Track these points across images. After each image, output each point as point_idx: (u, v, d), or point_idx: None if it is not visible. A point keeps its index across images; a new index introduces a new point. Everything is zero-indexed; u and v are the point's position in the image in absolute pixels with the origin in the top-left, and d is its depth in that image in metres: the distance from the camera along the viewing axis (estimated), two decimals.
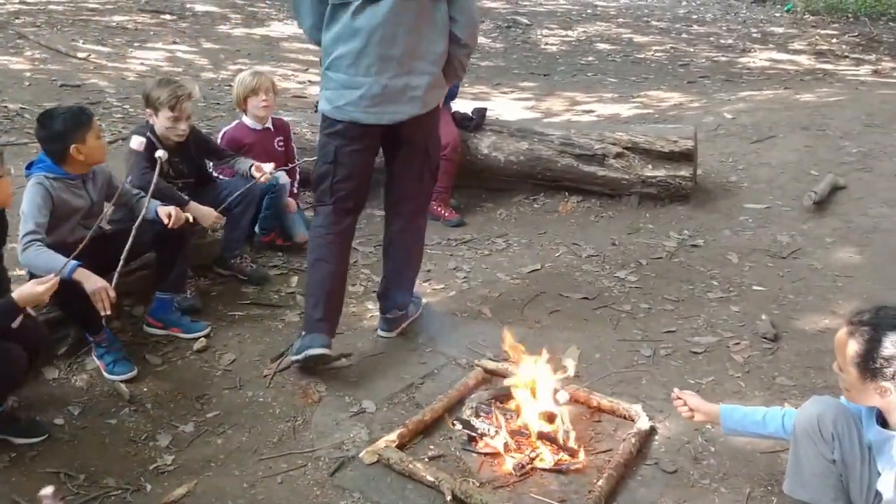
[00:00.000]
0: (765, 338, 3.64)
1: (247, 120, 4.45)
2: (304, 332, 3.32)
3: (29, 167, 3.25)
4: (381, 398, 3.19)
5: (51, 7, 10.09)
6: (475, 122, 5.21)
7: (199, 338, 3.54)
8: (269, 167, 4.03)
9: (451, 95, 5.13)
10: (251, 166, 4.07)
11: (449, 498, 2.58)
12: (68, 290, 2.91)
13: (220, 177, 4.36)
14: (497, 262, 4.51)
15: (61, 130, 3.14)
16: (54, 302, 3.00)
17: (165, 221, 3.37)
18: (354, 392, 3.23)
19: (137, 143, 3.50)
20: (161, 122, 3.77)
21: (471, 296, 4.09)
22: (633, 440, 2.89)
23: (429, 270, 4.36)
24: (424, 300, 3.98)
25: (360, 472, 2.76)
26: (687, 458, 2.89)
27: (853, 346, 2.08)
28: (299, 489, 2.70)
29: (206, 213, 3.73)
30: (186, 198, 3.73)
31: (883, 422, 2.16)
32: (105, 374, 3.25)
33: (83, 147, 3.18)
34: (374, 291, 4.09)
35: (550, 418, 2.91)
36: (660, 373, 3.43)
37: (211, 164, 4.32)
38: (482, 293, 4.12)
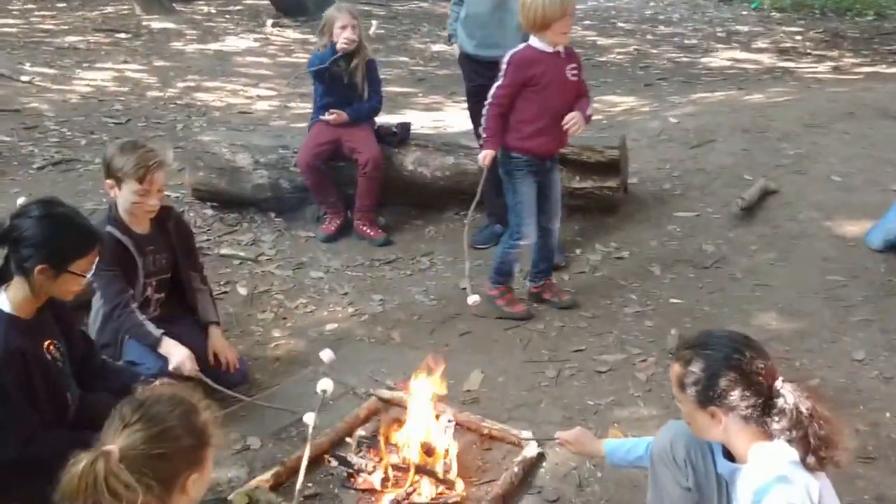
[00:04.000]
0: (671, 354, 3.58)
1: (537, 42, 3.70)
2: None
3: None
4: (269, 433, 3.12)
5: (4, 29, 10.02)
6: (399, 136, 5.14)
7: None
8: (326, 355, 3.11)
9: (374, 111, 5.06)
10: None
11: None
12: None
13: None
14: (418, 281, 4.45)
15: None
16: None
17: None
18: (242, 427, 3.16)
19: None
20: (125, 195, 3.12)
21: (383, 319, 4.03)
22: (516, 469, 2.83)
23: (345, 294, 4.30)
24: (335, 325, 3.95)
25: None
26: (571, 486, 2.84)
27: (676, 372, 2.03)
28: None
29: (179, 356, 3.09)
30: (159, 332, 3.15)
31: (731, 455, 2.10)
32: None
33: None
34: (284, 318, 4.05)
35: (430, 451, 2.85)
36: (561, 395, 3.38)
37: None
38: (396, 316, 4.06)
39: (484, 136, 3.83)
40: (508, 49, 4.20)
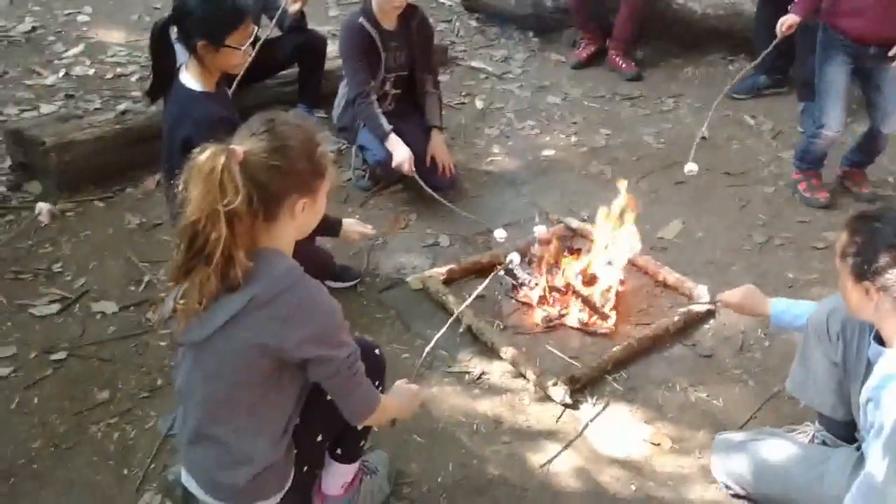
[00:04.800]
0: None
1: None
2: None
3: None
4: (458, 236, 3.31)
5: None
6: None
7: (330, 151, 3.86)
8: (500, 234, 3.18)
9: None
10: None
11: (461, 329, 2.74)
12: None
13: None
14: (654, 122, 4.28)
15: None
16: None
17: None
18: (439, 226, 3.38)
19: None
20: None
21: (602, 154, 3.97)
22: (675, 318, 2.79)
23: (574, 122, 4.26)
24: (552, 152, 3.98)
25: (404, 295, 2.99)
26: (731, 348, 2.74)
27: (842, 240, 1.84)
28: (349, 297, 2.97)
29: (401, 155, 3.32)
30: (389, 128, 3.38)
31: (881, 340, 1.90)
32: None
33: None
34: (507, 137, 4.14)
35: (591, 280, 2.88)
36: (760, 261, 3.18)
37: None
38: (616, 154, 3.97)
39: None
40: None
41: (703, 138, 3.96)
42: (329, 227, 2.83)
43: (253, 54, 2.63)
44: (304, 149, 1.70)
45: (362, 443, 2.04)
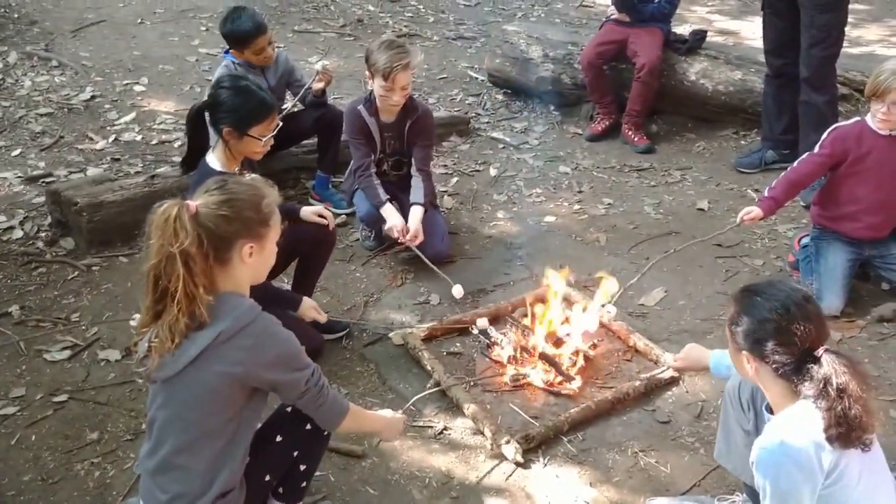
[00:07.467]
0: (884, 320, 3.20)
1: (870, 119, 3.26)
2: None
3: (226, 52, 4.02)
4: (449, 295, 3.49)
5: None
6: (689, 44, 4.95)
7: (342, 215, 4.10)
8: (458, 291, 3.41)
9: (660, 14, 4.88)
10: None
11: (429, 384, 2.89)
12: None
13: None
14: (657, 193, 4.40)
15: (232, 37, 3.85)
16: None
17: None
18: (432, 285, 3.56)
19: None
20: (376, 88, 3.58)
21: (602, 223, 4.11)
22: (637, 383, 2.88)
23: (580, 192, 4.42)
24: (553, 218, 4.15)
25: (385, 350, 3.16)
26: (689, 415, 2.82)
27: (731, 310, 1.95)
28: (335, 351, 3.16)
29: (392, 222, 3.58)
30: (385, 198, 3.64)
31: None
32: None
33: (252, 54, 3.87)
34: (513, 203, 4.33)
35: (558, 343, 3.01)
36: None
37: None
38: (614, 222, 4.11)
39: (765, 193, 3.44)
40: None
41: (701, 209, 4.11)
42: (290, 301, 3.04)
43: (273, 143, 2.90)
44: (250, 201, 1.96)
45: (304, 484, 2.21)
